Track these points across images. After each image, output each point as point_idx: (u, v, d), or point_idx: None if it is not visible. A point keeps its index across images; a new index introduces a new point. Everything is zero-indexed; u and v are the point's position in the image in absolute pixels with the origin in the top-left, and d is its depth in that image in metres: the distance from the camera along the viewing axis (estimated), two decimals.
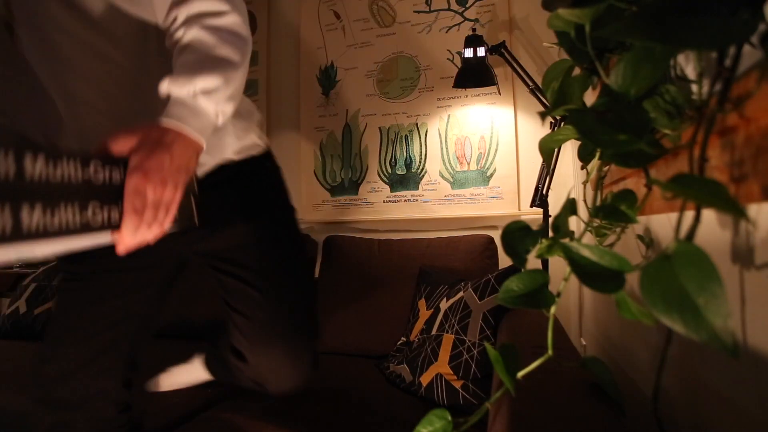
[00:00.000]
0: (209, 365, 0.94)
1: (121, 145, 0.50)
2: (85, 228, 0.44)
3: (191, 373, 0.95)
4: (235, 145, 0.76)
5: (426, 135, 1.65)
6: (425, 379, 0.96)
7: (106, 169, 0.48)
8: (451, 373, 0.93)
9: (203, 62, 0.55)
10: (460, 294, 1.07)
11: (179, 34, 0.57)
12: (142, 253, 0.57)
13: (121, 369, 0.73)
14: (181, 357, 1.07)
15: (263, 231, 0.77)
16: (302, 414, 0.88)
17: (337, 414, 0.88)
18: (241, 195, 0.76)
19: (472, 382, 0.90)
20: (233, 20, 0.58)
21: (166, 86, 0.54)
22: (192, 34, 0.56)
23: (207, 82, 0.54)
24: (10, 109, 0.63)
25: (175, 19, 0.57)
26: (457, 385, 0.91)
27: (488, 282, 1.03)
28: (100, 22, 0.59)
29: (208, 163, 0.72)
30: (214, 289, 0.81)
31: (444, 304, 1.10)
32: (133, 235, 0.50)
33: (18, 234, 0.37)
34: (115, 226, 0.48)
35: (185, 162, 0.53)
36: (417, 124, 1.66)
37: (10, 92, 0.62)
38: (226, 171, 0.75)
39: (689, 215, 0.31)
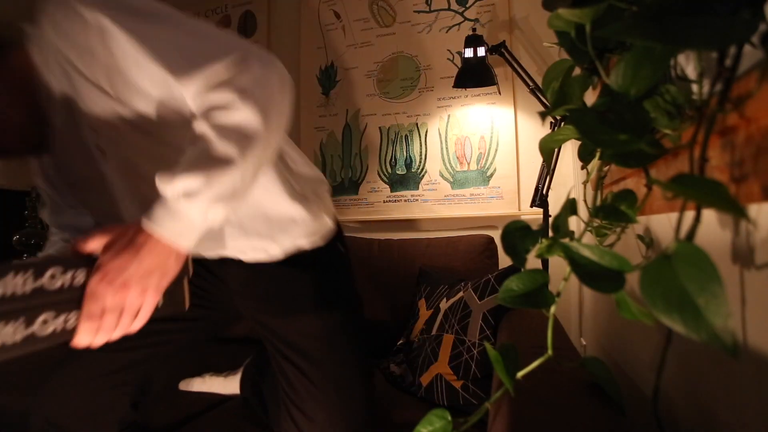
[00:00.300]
0: (244, 386, 0.94)
1: (91, 245, 0.50)
2: (28, 341, 0.43)
3: (226, 387, 0.95)
4: (304, 230, 0.75)
5: (426, 135, 1.65)
6: (425, 380, 0.96)
7: (69, 273, 0.47)
8: (451, 373, 0.93)
9: (194, 161, 0.52)
10: (460, 294, 1.07)
11: (192, 129, 0.55)
12: (195, 304, 0.57)
13: (132, 390, 0.72)
14: (220, 367, 1.08)
15: (332, 324, 0.76)
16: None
17: None
18: (316, 287, 0.76)
19: (472, 382, 0.90)
20: (241, 116, 0.53)
21: (157, 183, 0.51)
22: (197, 130, 0.54)
23: (189, 182, 0.50)
24: (96, 209, 0.71)
25: (193, 114, 0.56)
26: (457, 385, 0.91)
27: (488, 282, 1.03)
28: (169, 140, 0.61)
29: (276, 253, 0.73)
30: None
31: (444, 304, 1.10)
32: (88, 339, 0.48)
33: None
34: (71, 331, 0.48)
35: (157, 265, 0.51)
36: (417, 124, 1.66)
37: (96, 196, 0.68)
38: (301, 258, 0.75)
39: (689, 215, 0.31)
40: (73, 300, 0.48)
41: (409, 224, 1.68)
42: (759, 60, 0.31)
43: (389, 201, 1.69)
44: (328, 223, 0.79)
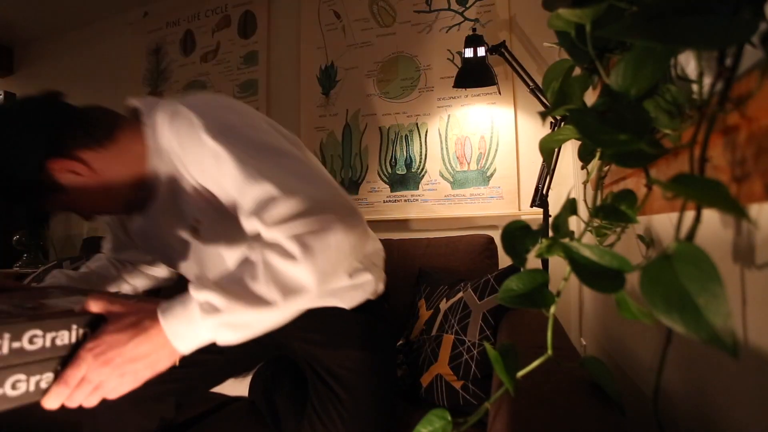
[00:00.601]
0: (254, 390, 0.94)
1: (103, 307, 0.52)
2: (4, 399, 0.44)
3: (235, 388, 0.96)
4: (363, 294, 0.86)
5: (426, 135, 1.65)
6: (425, 380, 0.96)
7: (50, 334, 0.47)
8: (451, 373, 0.93)
9: (234, 283, 0.55)
10: (460, 294, 1.07)
11: (251, 246, 0.59)
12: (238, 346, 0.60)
13: (161, 415, 0.77)
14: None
15: (371, 362, 0.84)
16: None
17: None
18: (363, 329, 0.85)
19: (472, 382, 0.90)
20: (297, 273, 0.55)
21: (191, 282, 0.56)
22: (253, 255, 0.57)
23: (215, 299, 0.52)
24: (159, 256, 0.84)
25: (257, 232, 0.59)
26: (457, 385, 0.91)
27: (488, 282, 1.03)
28: (232, 241, 0.71)
29: (335, 305, 0.84)
30: None
31: (444, 305, 1.10)
32: (57, 403, 0.49)
33: None
34: (43, 392, 0.48)
35: (147, 355, 0.51)
36: (417, 124, 1.66)
37: (164, 250, 0.79)
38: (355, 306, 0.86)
39: (690, 215, 0.31)
40: (51, 359, 0.48)
41: (409, 224, 1.68)
42: (759, 59, 0.31)
43: (389, 201, 1.69)
44: (381, 288, 0.90)
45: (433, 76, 1.65)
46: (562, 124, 1.14)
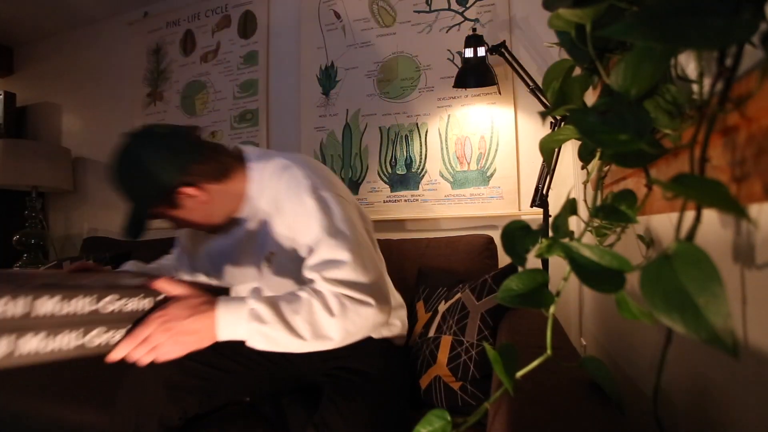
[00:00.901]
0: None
1: (170, 288, 0.67)
2: (78, 350, 0.57)
3: None
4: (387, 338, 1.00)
5: (426, 135, 1.65)
6: (424, 382, 0.96)
7: (121, 300, 0.61)
8: (450, 374, 0.93)
9: (283, 307, 0.70)
10: (458, 295, 1.07)
11: (304, 285, 0.76)
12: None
13: (184, 407, 0.81)
14: None
15: (391, 368, 0.95)
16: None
17: None
18: (384, 347, 0.96)
19: (471, 383, 0.90)
20: (331, 327, 0.71)
21: (252, 289, 0.80)
22: (303, 293, 0.73)
23: (264, 311, 0.68)
24: (217, 274, 0.94)
25: (312, 280, 0.75)
26: (456, 386, 0.91)
27: (485, 282, 1.03)
28: (293, 276, 0.84)
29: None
30: None
31: (442, 307, 1.10)
32: (120, 353, 0.61)
33: (9, 359, 0.52)
34: (112, 347, 0.60)
35: (197, 333, 0.65)
36: (417, 124, 1.66)
37: (226, 270, 0.92)
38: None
39: (690, 215, 0.31)
40: (121, 321, 0.61)
41: (409, 224, 1.68)
42: (759, 60, 0.31)
43: (389, 201, 1.69)
44: (402, 337, 1.05)
45: (433, 76, 1.65)
46: (562, 124, 1.14)
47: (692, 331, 0.26)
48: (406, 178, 1.67)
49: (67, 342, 0.55)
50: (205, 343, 0.67)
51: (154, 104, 2.21)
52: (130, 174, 0.76)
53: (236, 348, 0.78)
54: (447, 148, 1.62)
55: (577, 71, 0.48)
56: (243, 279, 0.89)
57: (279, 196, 0.81)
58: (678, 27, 0.27)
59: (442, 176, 1.62)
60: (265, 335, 0.68)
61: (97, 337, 0.58)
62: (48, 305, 0.53)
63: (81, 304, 0.56)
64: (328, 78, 1.83)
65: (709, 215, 0.40)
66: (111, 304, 0.59)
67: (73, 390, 1.06)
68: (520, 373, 0.46)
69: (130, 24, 2.31)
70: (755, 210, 0.34)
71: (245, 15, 2.02)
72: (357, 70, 1.77)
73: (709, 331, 0.25)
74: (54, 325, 0.54)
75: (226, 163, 0.83)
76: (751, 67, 0.32)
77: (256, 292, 0.72)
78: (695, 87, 0.35)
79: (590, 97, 0.49)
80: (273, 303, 0.69)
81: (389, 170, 1.70)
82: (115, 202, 2.31)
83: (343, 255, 0.75)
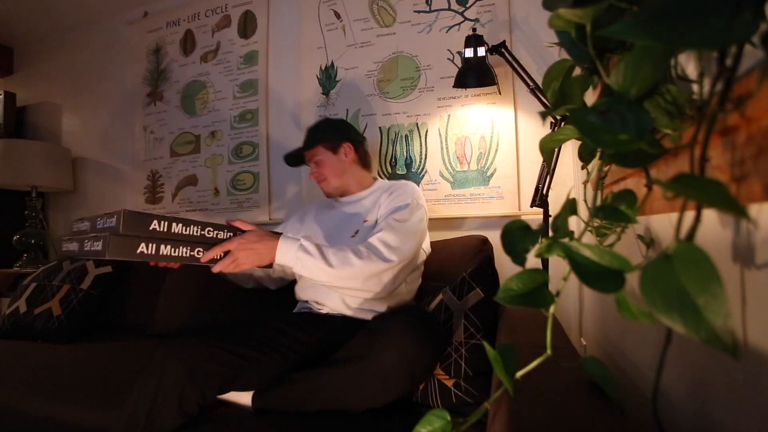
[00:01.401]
0: (256, 397, 0.94)
1: (243, 225, 0.97)
2: (191, 259, 0.89)
3: (239, 396, 0.95)
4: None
5: (426, 135, 1.65)
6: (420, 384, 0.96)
7: (218, 232, 0.93)
8: (443, 373, 0.93)
9: (326, 247, 1.00)
10: (440, 297, 1.08)
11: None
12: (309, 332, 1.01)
13: (203, 392, 0.83)
14: None
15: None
16: (290, 419, 0.87)
17: (334, 422, 0.88)
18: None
19: (464, 380, 0.90)
20: (353, 260, 0.99)
21: (304, 236, 1.02)
22: (363, 249, 1.02)
23: (311, 248, 0.98)
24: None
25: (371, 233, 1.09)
26: (449, 383, 0.91)
27: (464, 281, 1.04)
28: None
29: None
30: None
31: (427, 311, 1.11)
32: (210, 255, 0.91)
33: (156, 257, 0.84)
34: (214, 261, 0.93)
35: (261, 252, 0.95)
36: (417, 124, 1.66)
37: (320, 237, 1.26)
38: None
39: (690, 215, 0.31)
40: (215, 244, 0.92)
41: None
42: (760, 60, 0.31)
43: None
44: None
45: (433, 76, 1.65)
46: (563, 124, 1.14)
47: (692, 331, 0.26)
48: (406, 178, 1.67)
49: (183, 252, 0.87)
50: (265, 260, 0.96)
51: (154, 104, 2.21)
52: (328, 122, 1.29)
53: (259, 337, 0.92)
54: (447, 148, 1.62)
55: (577, 71, 0.49)
56: (334, 242, 1.14)
57: (395, 186, 1.20)
58: (678, 27, 0.27)
59: (442, 176, 1.62)
60: (307, 261, 0.96)
61: (199, 253, 0.90)
62: (176, 228, 0.86)
63: (193, 230, 0.89)
64: (328, 78, 1.82)
65: (709, 215, 0.40)
66: (210, 232, 0.91)
67: (73, 390, 1.06)
68: (520, 373, 0.46)
69: (130, 24, 2.31)
70: (755, 210, 0.34)
71: (245, 15, 2.02)
72: (357, 70, 1.77)
73: (709, 331, 0.25)
74: (179, 240, 0.86)
75: (370, 160, 1.34)
76: (751, 67, 0.32)
77: (309, 239, 1.00)
78: (695, 87, 0.35)
79: (590, 97, 0.49)
80: (317, 244, 0.99)
81: (389, 170, 1.70)
82: (115, 202, 2.31)
83: (394, 230, 1.05)
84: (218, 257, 0.92)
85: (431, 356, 0.88)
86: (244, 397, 0.93)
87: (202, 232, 0.90)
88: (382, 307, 1.13)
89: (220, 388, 0.85)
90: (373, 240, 1.03)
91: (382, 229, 1.06)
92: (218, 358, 0.84)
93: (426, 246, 1.23)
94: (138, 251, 0.81)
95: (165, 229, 0.84)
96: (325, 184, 1.26)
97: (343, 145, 1.24)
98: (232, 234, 0.94)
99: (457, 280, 1.05)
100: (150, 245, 0.82)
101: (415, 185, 1.23)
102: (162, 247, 0.84)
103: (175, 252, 0.85)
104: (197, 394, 0.81)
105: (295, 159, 1.33)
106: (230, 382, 0.86)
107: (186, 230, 0.87)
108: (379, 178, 1.33)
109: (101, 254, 0.77)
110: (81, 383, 1.09)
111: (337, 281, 0.98)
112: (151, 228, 0.82)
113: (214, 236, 0.92)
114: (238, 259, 0.92)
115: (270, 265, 0.99)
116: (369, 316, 1.10)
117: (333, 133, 1.25)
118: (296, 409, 0.89)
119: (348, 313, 1.12)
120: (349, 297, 1.11)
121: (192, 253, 0.88)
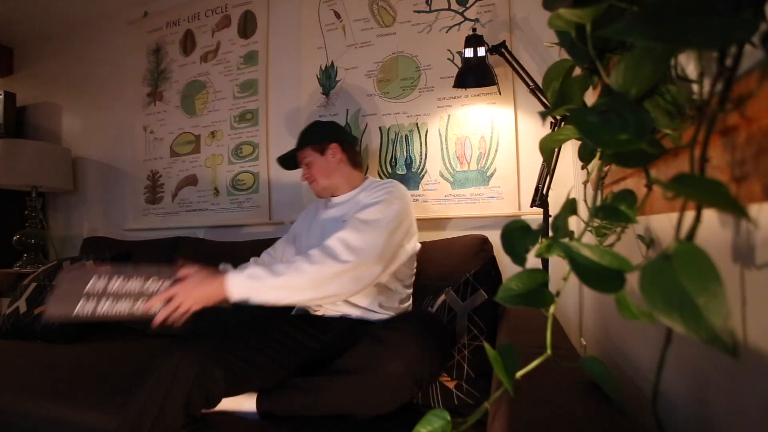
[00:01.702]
0: (261, 401, 0.93)
1: (187, 270, 0.94)
2: (131, 314, 0.87)
3: (241, 404, 0.94)
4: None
5: (426, 135, 1.65)
6: None
7: (160, 281, 0.92)
8: (445, 374, 0.93)
9: (285, 266, 0.95)
10: (443, 297, 1.07)
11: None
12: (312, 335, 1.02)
13: (207, 394, 0.83)
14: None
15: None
16: (296, 425, 0.87)
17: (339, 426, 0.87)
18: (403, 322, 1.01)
19: (466, 381, 0.90)
20: (312, 269, 0.95)
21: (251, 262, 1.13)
22: (314, 252, 0.98)
23: (258, 273, 0.93)
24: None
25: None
26: (451, 385, 0.91)
27: (467, 282, 1.03)
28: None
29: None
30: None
31: (430, 311, 1.11)
32: (155, 307, 0.90)
33: (93, 315, 0.85)
34: (151, 314, 0.89)
35: (208, 292, 0.91)
36: (417, 124, 1.66)
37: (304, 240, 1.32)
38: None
39: (690, 215, 0.31)
40: (155, 294, 0.90)
41: None
42: (760, 60, 0.31)
43: None
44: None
45: (433, 76, 1.65)
46: (562, 124, 1.14)
47: (692, 331, 0.26)
48: (406, 178, 1.67)
49: (124, 308, 0.86)
50: (212, 300, 0.91)
51: (154, 104, 2.21)
52: (318, 124, 1.31)
53: (266, 341, 0.93)
54: (447, 148, 1.62)
55: (577, 71, 0.49)
56: (323, 239, 1.12)
57: (375, 184, 1.21)
58: (678, 27, 0.27)
59: (442, 176, 1.62)
60: (258, 286, 0.91)
61: (141, 306, 0.88)
62: (116, 284, 0.87)
63: (134, 284, 0.88)
64: (328, 78, 1.82)
65: (709, 215, 0.40)
66: (153, 284, 0.90)
67: (73, 390, 1.06)
68: (520, 373, 0.46)
69: (130, 24, 2.31)
70: (755, 210, 0.34)
71: (245, 15, 2.02)
72: (357, 70, 1.77)
73: (709, 331, 0.25)
74: (117, 296, 0.86)
75: (360, 160, 1.33)
76: (751, 67, 0.32)
77: (257, 263, 1.04)
78: (695, 87, 0.35)
79: (590, 97, 0.49)
80: (267, 266, 0.95)
81: (389, 170, 1.70)
82: (115, 202, 2.31)
83: (356, 229, 1.02)
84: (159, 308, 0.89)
85: (438, 363, 0.89)
86: (247, 403, 0.92)
87: (144, 285, 0.89)
88: (380, 308, 1.13)
89: (225, 392, 0.85)
90: (331, 240, 0.99)
91: (343, 228, 1.02)
92: (227, 363, 0.84)
93: (410, 246, 1.18)
94: (75, 312, 0.84)
95: (103, 286, 0.87)
96: (314, 185, 1.27)
97: (330, 146, 1.24)
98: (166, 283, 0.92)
99: (461, 281, 1.05)
100: (88, 304, 0.85)
101: (398, 184, 1.19)
102: (100, 304, 0.86)
103: (113, 309, 0.86)
104: (203, 398, 0.82)
105: (289, 162, 1.35)
106: (236, 387, 0.86)
107: (126, 285, 0.88)
108: (370, 177, 1.33)
109: (47, 316, 0.85)
110: (81, 383, 1.09)
111: (296, 294, 0.93)
112: (88, 288, 0.86)
113: (158, 288, 0.90)
114: (182, 303, 0.89)
115: (227, 302, 0.93)
116: (371, 317, 1.10)
117: (321, 135, 1.26)
118: (301, 415, 0.89)
119: (349, 313, 1.12)
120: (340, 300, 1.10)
121: (132, 311, 0.87)
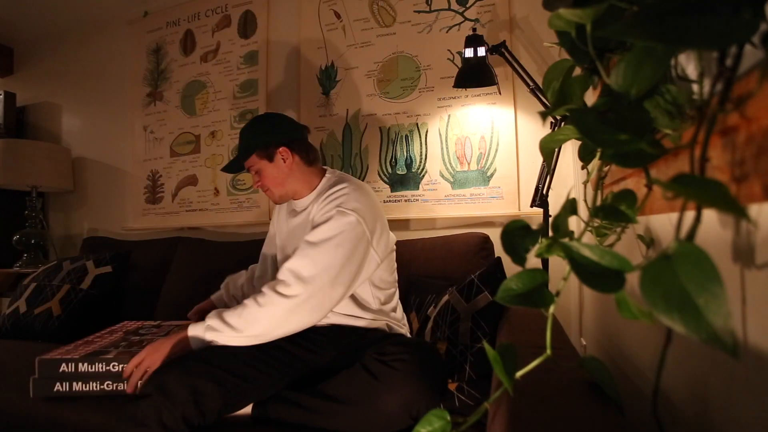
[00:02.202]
0: (257, 410, 0.95)
1: (134, 362, 0.93)
2: (103, 391, 0.97)
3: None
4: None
5: (426, 135, 1.65)
6: None
7: (121, 365, 0.96)
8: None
9: (230, 313, 0.94)
10: (446, 297, 1.07)
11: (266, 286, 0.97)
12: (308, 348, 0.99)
13: (201, 409, 0.83)
14: None
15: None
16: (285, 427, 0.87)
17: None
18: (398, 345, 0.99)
19: (468, 383, 0.90)
20: (254, 312, 0.93)
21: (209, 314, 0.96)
22: (265, 290, 0.95)
23: (215, 324, 0.93)
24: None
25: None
26: (452, 387, 0.91)
27: (472, 283, 1.02)
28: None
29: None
30: None
31: (432, 312, 1.10)
32: (126, 374, 0.93)
33: (66, 395, 0.97)
34: (120, 389, 0.96)
35: (173, 348, 0.93)
36: (417, 124, 1.66)
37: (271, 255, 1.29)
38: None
39: (690, 215, 0.31)
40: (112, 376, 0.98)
41: (409, 224, 1.68)
42: (760, 60, 0.31)
43: (389, 201, 1.69)
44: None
45: (433, 76, 1.65)
46: (563, 124, 1.14)
47: (692, 331, 0.26)
48: (406, 178, 1.67)
49: (93, 386, 0.97)
50: (177, 354, 0.92)
51: (154, 104, 2.21)
52: (259, 124, 1.13)
53: (259, 355, 0.92)
54: (447, 148, 1.62)
55: (577, 71, 0.49)
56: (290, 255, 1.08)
57: (325, 194, 1.07)
58: (678, 27, 0.27)
59: (442, 176, 1.62)
60: (220, 339, 0.92)
61: (110, 384, 0.97)
62: (83, 367, 0.96)
63: (101, 366, 0.97)
64: (328, 78, 1.83)
65: (709, 215, 0.40)
66: (114, 367, 0.96)
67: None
68: (520, 373, 0.46)
69: (130, 24, 2.31)
70: (755, 210, 0.34)
71: (245, 15, 2.02)
72: (357, 70, 1.77)
73: (709, 331, 0.25)
74: (87, 377, 0.97)
75: (314, 154, 1.16)
76: (751, 67, 0.32)
77: (218, 313, 0.95)
78: (695, 87, 0.35)
79: (590, 97, 0.49)
80: (221, 315, 0.94)
81: (389, 170, 1.70)
82: (115, 201, 2.31)
83: (306, 256, 0.96)
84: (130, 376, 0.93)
85: (434, 398, 0.88)
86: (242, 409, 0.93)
87: (108, 368, 0.96)
88: (365, 312, 1.09)
89: (220, 410, 0.84)
90: (281, 272, 0.96)
91: (294, 256, 0.97)
92: (217, 378, 0.84)
93: (381, 252, 1.06)
94: (54, 390, 0.97)
95: (72, 371, 0.96)
96: (270, 194, 1.15)
97: (278, 150, 1.10)
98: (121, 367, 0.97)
99: (465, 281, 1.05)
100: (64, 384, 0.97)
101: (353, 186, 1.06)
102: (74, 384, 0.97)
103: (86, 387, 0.97)
104: (198, 415, 0.81)
105: (236, 167, 1.18)
106: (231, 403, 0.86)
107: (92, 368, 0.96)
108: (327, 171, 1.17)
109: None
110: None
111: (257, 339, 0.92)
112: (60, 370, 0.96)
113: (119, 370, 0.96)
114: (150, 365, 0.90)
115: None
116: (357, 323, 1.08)
117: (266, 138, 1.10)
118: (297, 424, 0.89)
119: (336, 321, 1.08)
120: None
121: (102, 387, 0.96)
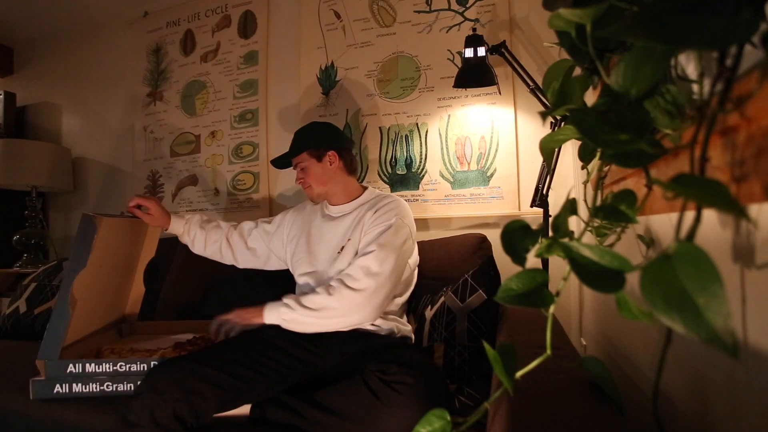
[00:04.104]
0: (258, 407, 0.95)
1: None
2: (103, 392, 0.99)
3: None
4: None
5: (426, 135, 1.65)
6: None
7: (130, 365, 0.99)
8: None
9: (305, 296, 1.02)
10: (442, 299, 1.07)
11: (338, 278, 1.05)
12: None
13: (196, 409, 0.83)
14: None
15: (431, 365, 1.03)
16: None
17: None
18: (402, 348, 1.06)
19: (467, 384, 0.90)
20: (322, 300, 1.01)
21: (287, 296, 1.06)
22: (334, 284, 1.02)
23: (290, 302, 1.01)
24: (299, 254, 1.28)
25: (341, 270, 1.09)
26: (452, 388, 0.91)
27: (466, 282, 1.03)
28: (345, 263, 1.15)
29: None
30: None
31: (429, 313, 1.10)
32: (215, 327, 1.08)
33: (66, 396, 0.98)
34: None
35: (252, 318, 1.04)
36: (417, 124, 1.66)
37: (303, 252, 1.27)
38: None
39: (690, 215, 0.31)
40: (129, 375, 1.01)
41: None
42: (760, 60, 0.31)
43: None
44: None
45: (433, 76, 1.65)
46: (563, 124, 1.14)
47: (692, 331, 0.26)
48: (406, 178, 1.67)
49: (93, 387, 1.00)
50: (257, 321, 1.03)
51: (154, 104, 2.21)
52: (315, 127, 1.28)
53: (258, 356, 0.93)
54: (447, 148, 1.62)
55: (577, 71, 0.49)
56: (315, 256, 1.20)
57: (380, 203, 1.16)
58: (678, 27, 0.27)
59: (442, 176, 1.62)
60: (293, 316, 0.99)
61: (109, 386, 1.00)
62: (90, 367, 0.99)
63: (106, 367, 1.00)
64: (328, 78, 1.82)
65: (709, 215, 0.40)
66: (121, 367, 0.99)
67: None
68: (520, 373, 0.46)
69: (130, 24, 2.31)
70: (755, 210, 0.34)
71: (245, 15, 2.02)
72: (357, 70, 1.77)
73: (709, 331, 0.25)
74: (86, 378, 0.99)
75: (356, 165, 1.30)
76: (751, 67, 0.32)
77: (290, 297, 1.04)
78: (695, 87, 0.35)
79: (590, 97, 0.49)
80: (297, 298, 1.02)
81: (389, 170, 1.70)
82: (115, 202, 2.31)
83: (376, 256, 1.03)
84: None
85: None
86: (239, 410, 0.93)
87: (115, 368, 0.99)
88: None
89: (217, 408, 0.85)
90: (353, 268, 1.03)
91: (366, 254, 1.05)
92: (212, 379, 0.84)
93: (413, 261, 1.19)
94: (54, 391, 0.98)
95: (80, 371, 0.98)
96: (309, 191, 1.24)
97: (328, 153, 1.21)
98: (145, 366, 0.99)
99: (459, 281, 1.05)
100: (63, 386, 0.98)
101: (402, 201, 1.19)
102: (74, 386, 0.99)
103: (86, 389, 0.98)
104: (192, 415, 0.82)
105: (283, 162, 1.32)
106: (227, 403, 0.87)
107: (99, 368, 0.99)
108: (369, 187, 1.29)
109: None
110: None
111: (323, 325, 0.99)
112: (68, 371, 0.97)
113: (127, 369, 0.98)
114: (233, 325, 1.04)
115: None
116: (368, 327, 1.08)
117: (318, 140, 1.23)
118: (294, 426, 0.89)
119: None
120: None
121: (102, 388, 0.99)
